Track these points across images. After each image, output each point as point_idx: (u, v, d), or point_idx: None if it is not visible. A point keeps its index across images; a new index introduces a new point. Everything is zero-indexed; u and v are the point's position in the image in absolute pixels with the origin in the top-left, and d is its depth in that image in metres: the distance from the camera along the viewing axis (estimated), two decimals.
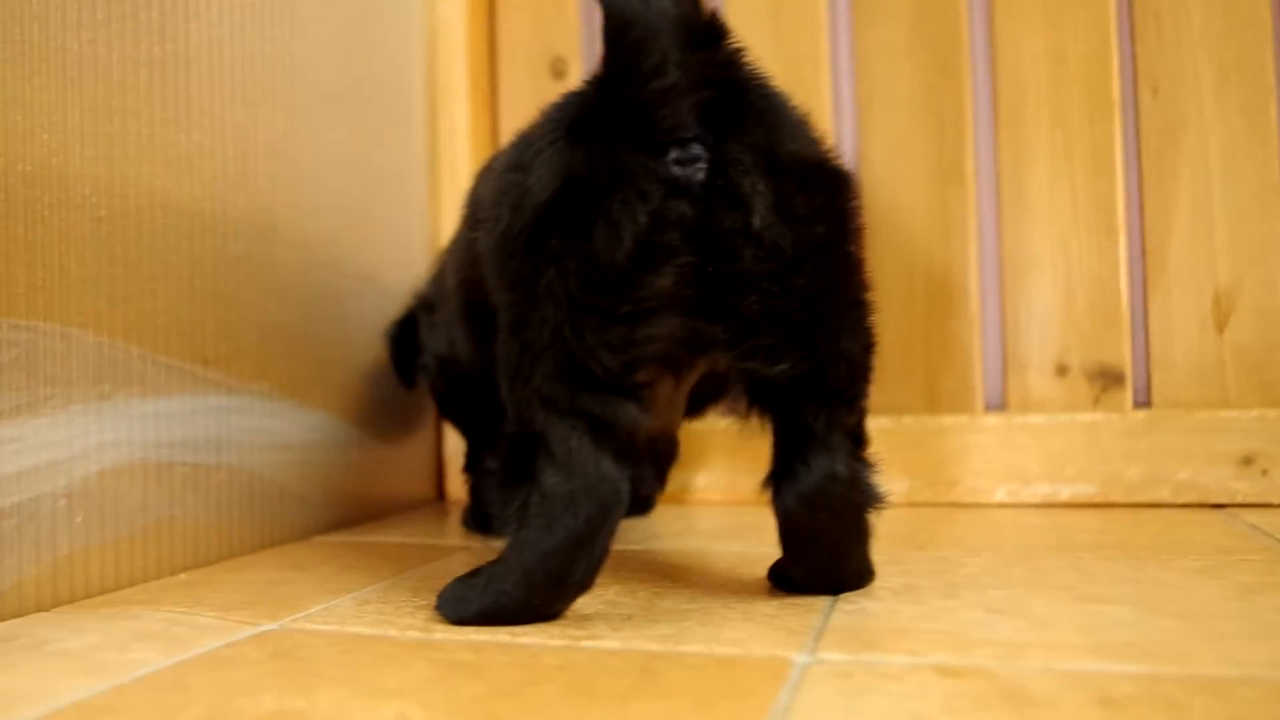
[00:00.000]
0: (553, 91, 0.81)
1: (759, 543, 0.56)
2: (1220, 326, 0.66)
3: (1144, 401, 0.68)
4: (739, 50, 0.40)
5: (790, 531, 0.41)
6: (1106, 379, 0.68)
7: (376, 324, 0.69)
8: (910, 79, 0.72)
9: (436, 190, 0.79)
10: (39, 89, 0.43)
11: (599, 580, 0.39)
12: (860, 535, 0.42)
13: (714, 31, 0.39)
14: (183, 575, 0.50)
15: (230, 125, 0.55)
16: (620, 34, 0.37)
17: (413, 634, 0.38)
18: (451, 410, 0.65)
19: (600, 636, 0.37)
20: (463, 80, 0.79)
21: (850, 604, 0.41)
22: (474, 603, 0.39)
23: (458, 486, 0.79)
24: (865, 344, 0.42)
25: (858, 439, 0.41)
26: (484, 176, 0.53)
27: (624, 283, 0.37)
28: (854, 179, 0.42)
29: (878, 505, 0.41)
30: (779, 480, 0.40)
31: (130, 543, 0.47)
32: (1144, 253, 0.68)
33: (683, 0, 0.37)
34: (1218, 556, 0.49)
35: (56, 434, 0.43)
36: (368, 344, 0.68)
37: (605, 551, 0.38)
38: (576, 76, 0.80)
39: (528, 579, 0.38)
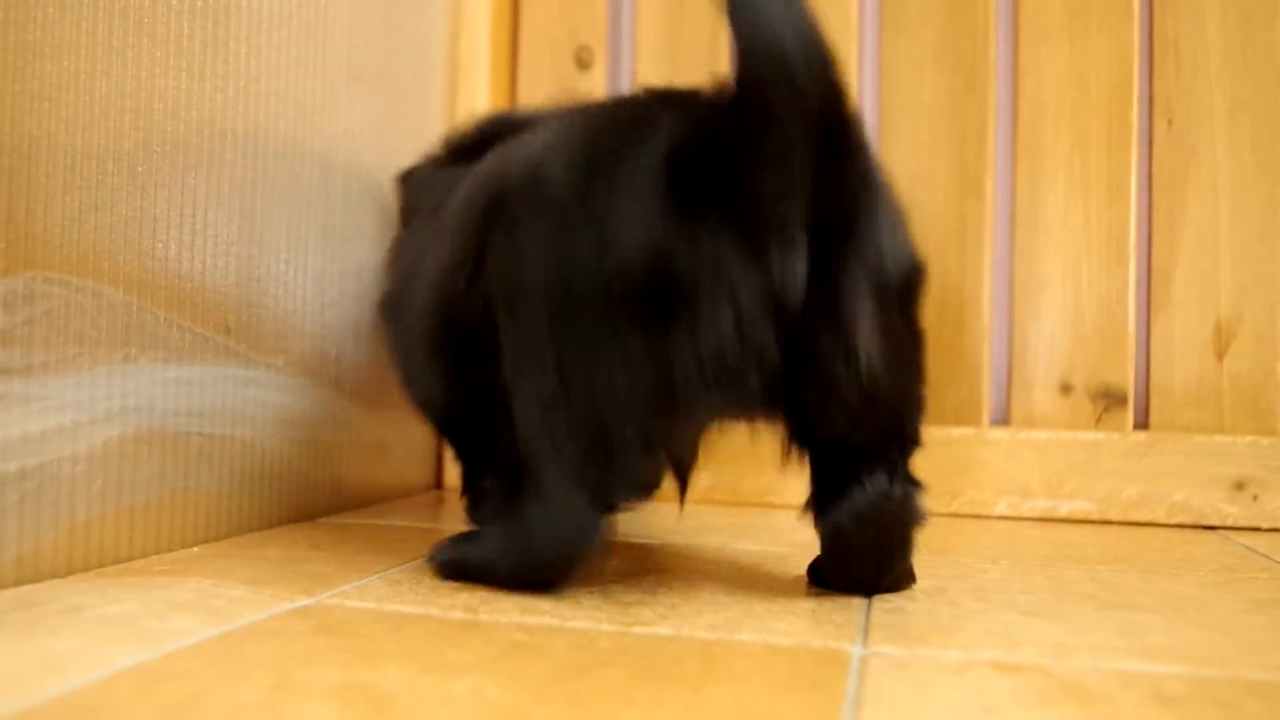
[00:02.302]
0: (576, 81, 0.82)
1: (775, 542, 0.56)
2: (1220, 354, 0.68)
3: (1142, 423, 0.70)
4: (867, 143, 0.39)
5: (837, 546, 0.41)
6: (1109, 399, 0.69)
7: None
8: (934, 91, 0.73)
9: None
10: (84, 34, 0.41)
11: (635, 569, 0.39)
12: (904, 551, 0.43)
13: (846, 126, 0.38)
14: (195, 549, 0.48)
15: (265, 87, 0.53)
16: (766, 83, 0.35)
17: (457, 614, 0.37)
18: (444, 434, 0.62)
19: (650, 623, 0.37)
20: (483, 62, 0.78)
21: (888, 603, 0.41)
22: (471, 558, 0.41)
23: (456, 474, 0.78)
24: (922, 382, 0.42)
25: (908, 455, 0.42)
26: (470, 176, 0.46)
27: (689, 395, 0.36)
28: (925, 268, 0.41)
29: (922, 523, 0.42)
30: (829, 495, 0.40)
31: (146, 512, 0.45)
32: (1150, 278, 0.70)
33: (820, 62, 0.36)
34: (1224, 573, 0.50)
35: (80, 395, 0.41)
36: (377, 325, 0.67)
37: (584, 559, 0.40)
38: (602, 68, 0.79)
39: (512, 579, 0.41)
